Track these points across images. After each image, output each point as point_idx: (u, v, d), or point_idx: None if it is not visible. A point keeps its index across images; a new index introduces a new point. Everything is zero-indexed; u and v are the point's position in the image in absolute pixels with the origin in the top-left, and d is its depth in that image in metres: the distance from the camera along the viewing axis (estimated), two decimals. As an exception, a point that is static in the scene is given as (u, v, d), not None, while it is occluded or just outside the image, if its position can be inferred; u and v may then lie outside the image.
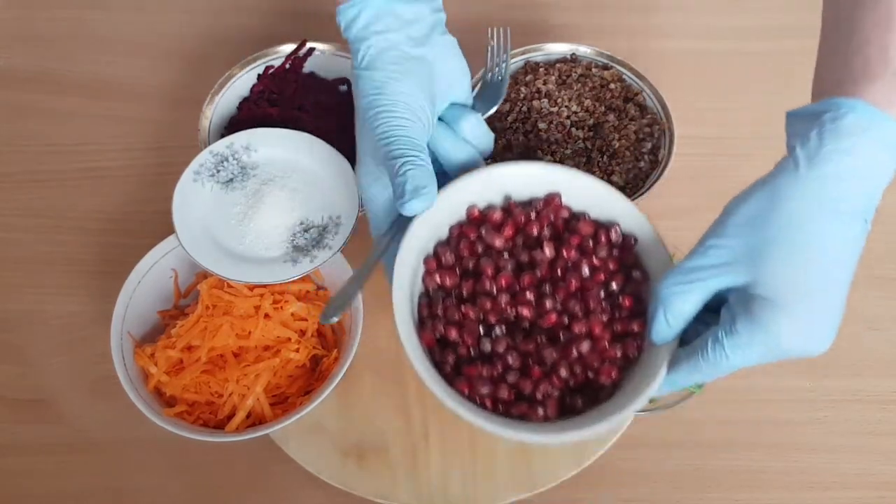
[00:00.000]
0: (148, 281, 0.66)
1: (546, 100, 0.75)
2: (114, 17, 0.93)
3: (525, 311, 0.54)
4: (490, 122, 0.78)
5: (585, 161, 0.74)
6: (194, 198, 0.66)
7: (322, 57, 0.79)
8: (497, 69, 0.70)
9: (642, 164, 0.75)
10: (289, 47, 0.78)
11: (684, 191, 0.81)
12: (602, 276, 0.56)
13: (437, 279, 0.56)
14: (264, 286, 0.65)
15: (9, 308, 0.73)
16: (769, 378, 0.72)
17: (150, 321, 0.67)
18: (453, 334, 0.54)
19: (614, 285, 0.56)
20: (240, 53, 0.78)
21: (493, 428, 0.50)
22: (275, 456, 0.65)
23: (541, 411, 0.52)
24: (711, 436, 0.69)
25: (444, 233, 0.59)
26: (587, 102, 0.75)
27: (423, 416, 0.67)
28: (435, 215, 0.56)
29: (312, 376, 0.66)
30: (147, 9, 0.94)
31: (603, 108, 0.76)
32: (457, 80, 0.62)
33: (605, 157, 0.74)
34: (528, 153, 0.74)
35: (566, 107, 0.75)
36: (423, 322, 0.56)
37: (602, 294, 0.56)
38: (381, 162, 0.54)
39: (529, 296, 0.55)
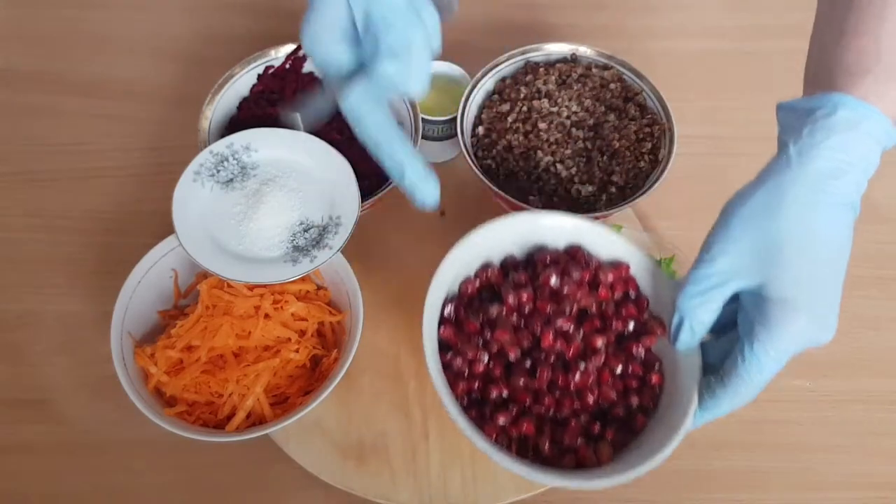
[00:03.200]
0: (148, 281, 0.66)
1: (546, 100, 0.75)
2: (114, 17, 0.93)
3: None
4: (490, 122, 0.78)
5: (585, 161, 0.74)
6: (194, 198, 0.65)
7: (322, 57, 0.79)
8: None
9: (642, 164, 0.75)
10: (289, 47, 0.78)
11: (684, 191, 0.81)
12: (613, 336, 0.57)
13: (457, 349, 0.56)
14: (264, 286, 0.65)
15: (9, 308, 0.72)
16: (769, 378, 0.72)
17: (150, 321, 0.67)
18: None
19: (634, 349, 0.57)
20: (240, 53, 0.78)
21: (544, 478, 0.50)
22: (275, 456, 0.65)
23: (593, 457, 0.54)
24: (711, 436, 0.69)
25: (469, 273, 0.60)
26: (587, 102, 0.75)
27: (423, 416, 0.67)
28: (459, 259, 0.58)
29: (312, 376, 0.66)
30: (147, 8, 0.94)
31: (603, 108, 0.76)
32: None
33: (605, 157, 0.74)
34: (528, 153, 0.75)
35: (566, 107, 0.75)
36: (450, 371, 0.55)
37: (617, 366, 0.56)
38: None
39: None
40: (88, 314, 0.72)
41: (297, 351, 0.64)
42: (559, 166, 0.73)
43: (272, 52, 0.78)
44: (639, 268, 0.59)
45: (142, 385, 0.62)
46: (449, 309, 0.57)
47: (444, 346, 0.56)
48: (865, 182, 0.47)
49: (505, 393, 0.54)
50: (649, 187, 0.72)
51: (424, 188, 0.51)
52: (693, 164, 0.83)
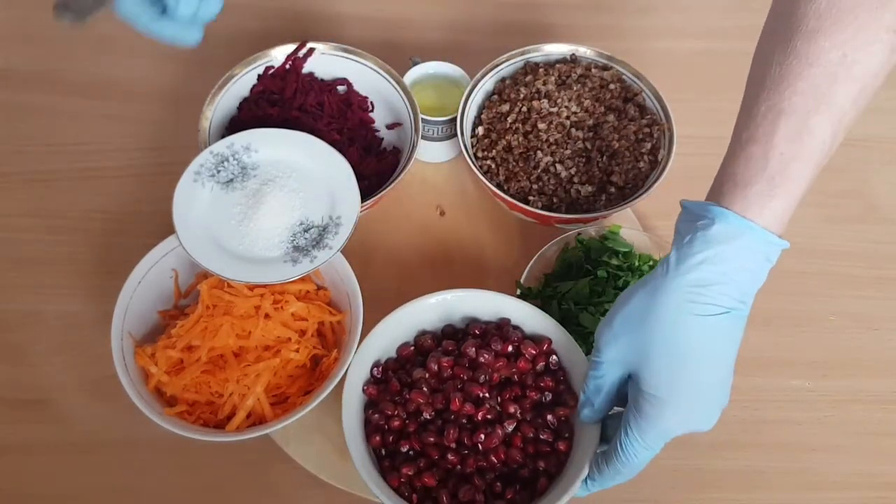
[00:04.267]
0: (148, 281, 0.66)
1: (546, 100, 0.75)
2: (114, 17, 0.93)
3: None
4: (490, 122, 0.78)
5: (585, 161, 0.74)
6: (194, 198, 0.65)
7: (322, 57, 0.79)
8: None
9: (642, 164, 0.75)
10: (289, 47, 0.78)
11: (684, 191, 0.81)
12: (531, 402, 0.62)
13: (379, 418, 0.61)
14: (264, 286, 0.65)
15: (9, 308, 0.72)
16: (769, 378, 0.72)
17: (150, 321, 0.67)
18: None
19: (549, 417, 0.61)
20: (240, 53, 0.78)
21: None
22: (275, 456, 0.65)
23: None
24: (711, 436, 0.69)
25: (409, 338, 0.65)
26: (587, 103, 0.75)
27: (423, 416, 0.67)
28: (386, 333, 0.63)
29: (312, 376, 0.66)
30: (147, 9, 0.94)
31: (602, 109, 0.76)
32: None
33: (604, 157, 0.74)
34: (527, 153, 0.75)
35: (566, 107, 0.75)
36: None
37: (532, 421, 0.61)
38: None
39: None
40: (88, 314, 0.72)
41: (297, 351, 0.64)
42: (559, 166, 0.73)
43: (272, 53, 0.78)
44: (560, 343, 0.63)
45: (142, 385, 0.62)
46: (378, 369, 0.63)
47: (369, 403, 0.62)
48: (750, 290, 0.48)
49: (416, 447, 0.59)
50: (649, 187, 0.72)
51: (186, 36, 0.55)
52: (693, 164, 0.83)
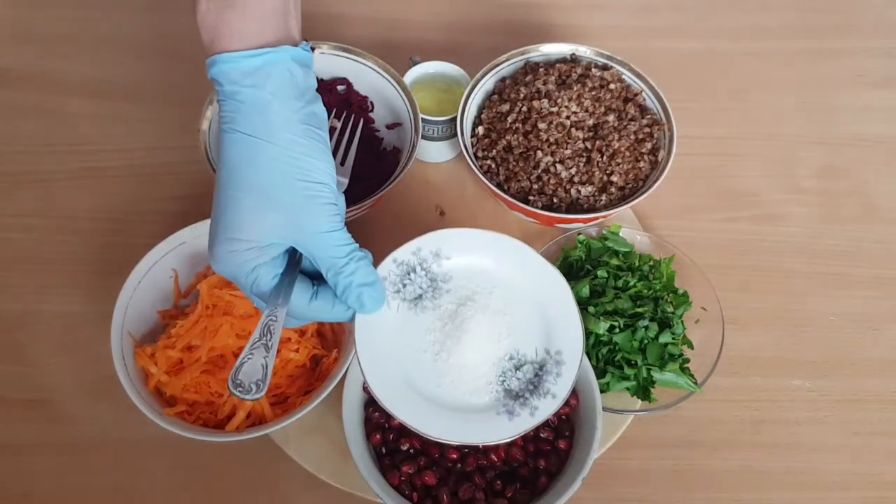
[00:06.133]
0: (148, 281, 0.66)
1: (546, 100, 0.75)
2: (114, 17, 0.93)
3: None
4: (490, 122, 0.78)
5: (585, 161, 0.74)
6: (378, 323, 0.52)
7: (322, 57, 0.79)
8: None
9: (642, 164, 0.75)
10: (289, 47, 0.78)
11: (684, 191, 0.82)
12: None
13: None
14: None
15: (9, 308, 0.73)
16: (769, 378, 0.72)
17: (150, 321, 0.67)
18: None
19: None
20: (240, 53, 0.78)
21: None
22: (275, 456, 0.65)
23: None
24: (711, 436, 0.69)
25: None
26: (587, 103, 0.75)
27: (423, 416, 0.67)
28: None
29: (312, 376, 0.66)
30: (148, 9, 0.94)
31: (603, 109, 0.76)
32: None
33: (604, 157, 0.74)
34: (528, 153, 0.75)
35: (566, 107, 0.75)
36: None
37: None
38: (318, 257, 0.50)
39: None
40: (88, 314, 0.72)
41: (297, 351, 0.64)
42: (559, 166, 0.73)
43: (272, 53, 0.78)
44: None
45: (142, 385, 0.62)
46: None
47: (370, 401, 0.62)
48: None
49: (416, 445, 0.59)
50: (649, 187, 0.72)
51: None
52: (693, 164, 0.83)
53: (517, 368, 0.52)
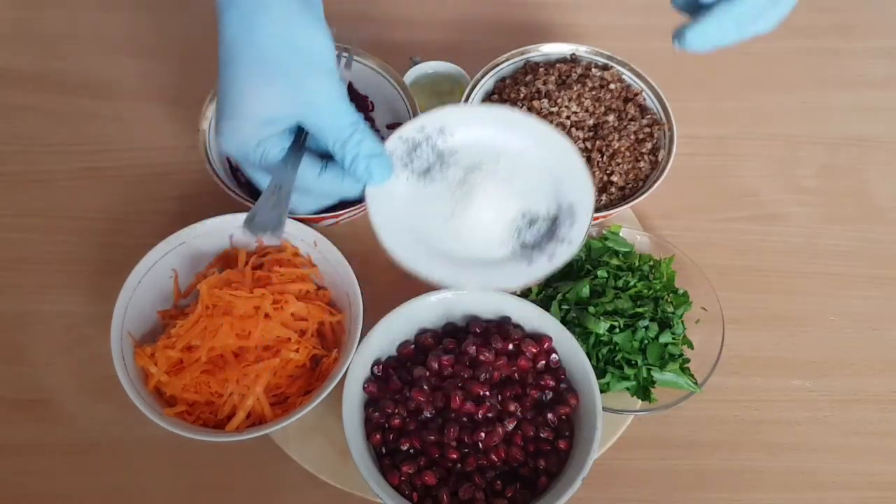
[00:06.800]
0: (148, 281, 0.66)
1: (546, 100, 0.75)
2: (114, 17, 0.93)
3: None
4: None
5: (585, 161, 0.74)
6: (389, 194, 0.55)
7: (322, 57, 0.79)
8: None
9: (642, 164, 0.75)
10: (289, 47, 0.78)
11: (684, 191, 0.82)
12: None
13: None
14: (263, 289, 0.64)
15: (9, 308, 0.73)
16: (769, 378, 0.72)
17: (150, 321, 0.67)
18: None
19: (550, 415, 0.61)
20: (240, 53, 0.78)
21: None
22: (275, 456, 0.65)
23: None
24: (711, 436, 0.69)
25: (409, 337, 0.65)
26: (587, 103, 0.75)
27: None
28: (387, 331, 0.61)
29: (312, 376, 0.66)
30: (148, 8, 0.94)
31: (603, 109, 0.76)
32: None
33: (605, 157, 0.74)
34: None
35: (566, 107, 0.75)
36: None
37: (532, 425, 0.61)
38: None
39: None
40: (88, 314, 0.72)
41: (297, 351, 0.64)
42: (559, 166, 0.73)
43: (272, 52, 0.78)
44: (560, 342, 0.63)
45: (142, 385, 0.62)
46: (379, 368, 0.63)
47: (370, 401, 0.62)
48: None
49: (416, 446, 0.59)
50: (649, 187, 0.72)
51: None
52: (693, 164, 0.83)
53: (530, 224, 0.55)
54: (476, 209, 0.55)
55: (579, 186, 0.56)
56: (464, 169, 0.56)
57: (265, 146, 0.51)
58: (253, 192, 0.73)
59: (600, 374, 0.65)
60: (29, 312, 0.72)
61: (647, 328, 0.66)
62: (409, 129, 0.57)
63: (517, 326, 0.64)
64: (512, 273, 0.53)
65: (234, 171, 0.75)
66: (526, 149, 0.57)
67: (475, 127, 0.58)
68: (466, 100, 0.77)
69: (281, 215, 0.52)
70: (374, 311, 0.63)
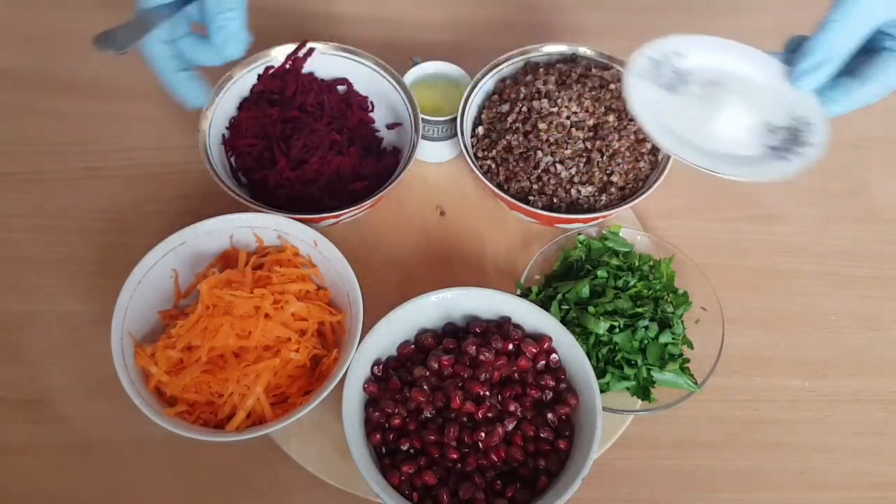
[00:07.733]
0: (148, 281, 0.66)
1: (546, 100, 0.75)
2: (114, 18, 0.93)
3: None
4: (490, 122, 0.78)
5: (585, 161, 0.74)
6: (644, 98, 0.62)
7: (322, 57, 0.79)
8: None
9: (642, 164, 0.75)
10: (289, 47, 0.78)
11: (684, 191, 0.82)
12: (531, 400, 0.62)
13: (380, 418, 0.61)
14: (266, 287, 0.64)
15: (9, 308, 0.72)
16: (769, 378, 0.72)
17: (150, 321, 0.67)
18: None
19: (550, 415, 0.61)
20: (240, 53, 0.78)
21: None
22: (275, 456, 0.65)
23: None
24: (711, 436, 0.69)
25: (409, 336, 0.65)
26: (587, 103, 0.75)
27: (423, 416, 0.67)
28: (387, 331, 0.63)
29: (312, 376, 0.66)
30: (147, 9, 0.94)
31: (603, 109, 0.76)
32: None
33: (604, 157, 0.74)
34: (527, 153, 0.75)
35: (566, 107, 0.75)
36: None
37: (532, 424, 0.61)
38: None
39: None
40: (88, 314, 0.72)
41: (297, 351, 0.64)
42: (559, 166, 0.73)
43: (272, 53, 0.78)
44: (560, 341, 0.63)
45: (142, 385, 0.62)
46: (379, 368, 0.63)
47: (370, 401, 0.62)
48: None
49: (416, 445, 0.60)
50: (649, 187, 0.72)
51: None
52: (693, 164, 0.83)
53: (772, 132, 0.61)
54: (724, 116, 0.61)
55: (809, 103, 0.61)
56: (702, 87, 0.63)
57: None
58: (253, 193, 0.73)
59: (600, 374, 0.65)
60: (28, 312, 0.72)
61: (646, 328, 0.66)
62: (651, 49, 0.64)
63: (517, 326, 0.64)
64: (773, 167, 0.58)
65: (235, 171, 0.75)
66: (751, 72, 0.64)
67: (708, 54, 0.65)
68: (466, 100, 0.77)
69: (129, 41, 0.61)
70: (374, 311, 0.63)
